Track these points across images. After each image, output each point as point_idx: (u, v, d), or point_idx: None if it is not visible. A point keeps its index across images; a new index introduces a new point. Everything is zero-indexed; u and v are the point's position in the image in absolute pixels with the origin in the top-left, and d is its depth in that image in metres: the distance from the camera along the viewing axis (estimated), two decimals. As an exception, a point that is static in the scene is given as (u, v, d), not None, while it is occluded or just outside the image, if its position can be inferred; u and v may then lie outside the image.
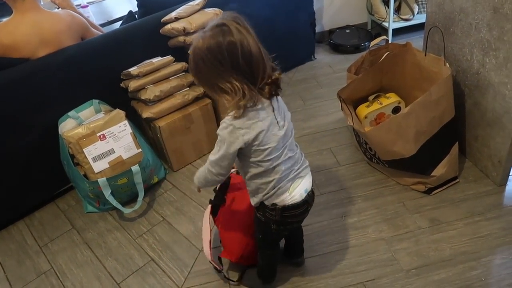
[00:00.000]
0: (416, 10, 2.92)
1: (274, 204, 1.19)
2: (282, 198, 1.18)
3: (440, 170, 1.67)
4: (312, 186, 1.26)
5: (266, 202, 1.20)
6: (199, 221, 1.79)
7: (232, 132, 1.07)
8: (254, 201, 1.22)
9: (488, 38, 1.56)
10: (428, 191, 1.72)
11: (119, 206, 1.79)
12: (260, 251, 1.39)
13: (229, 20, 1.01)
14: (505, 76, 1.51)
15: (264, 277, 1.46)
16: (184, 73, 2.04)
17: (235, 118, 1.06)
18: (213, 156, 1.13)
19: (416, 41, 1.84)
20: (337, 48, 2.98)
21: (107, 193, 1.77)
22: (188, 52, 1.06)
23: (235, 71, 1.01)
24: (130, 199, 1.93)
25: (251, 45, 1.00)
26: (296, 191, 1.19)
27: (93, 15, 2.44)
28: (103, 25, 2.36)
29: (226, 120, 1.08)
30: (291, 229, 1.32)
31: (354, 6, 3.10)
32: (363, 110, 1.88)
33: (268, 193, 1.17)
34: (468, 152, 1.85)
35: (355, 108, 1.90)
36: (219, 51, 0.99)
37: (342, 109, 1.81)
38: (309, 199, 1.23)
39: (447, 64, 1.65)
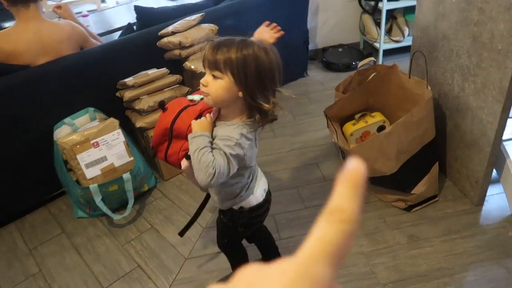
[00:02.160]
0: (406, 33, 3.03)
1: (241, 207, 1.21)
2: (249, 200, 1.21)
3: (420, 188, 1.74)
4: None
5: (234, 207, 1.21)
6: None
7: (241, 148, 1.05)
8: (225, 205, 1.22)
9: (467, 64, 1.64)
10: (408, 208, 1.78)
11: (109, 213, 1.84)
12: (230, 255, 1.46)
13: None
14: (482, 101, 1.59)
15: None
16: (178, 85, 2.11)
17: (243, 135, 1.05)
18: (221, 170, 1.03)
19: (405, 63, 1.92)
20: (330, 66, 3.07)
21: (97, 199, 1.82)
22: (228, 44, 1.01)
23: (273, 88, 1.05)
24: (120, 206, 1.98)
25: None
26: (258, 191, 1.23)
27: (93, 24, 2.52)
28: (102, 34, 2.44)
29: (236, 136, 1.05)
30: (254, 230, 1.39)
31: (347, 26, 3.20)
32: (350, 127, 1.95)
33: (241, 196, 1.19)
34: (448, 172, 1.92)
35: (342, 125, 1.97)
36: (276, 66, 1.05)
37: (328, 126, 1.88)
38: (269, 197, 1.29)
39: (429, 87, 1.73)
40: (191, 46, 2.11)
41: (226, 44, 1.01)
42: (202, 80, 1.05)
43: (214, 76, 1.03)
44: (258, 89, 1.02)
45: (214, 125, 1.11)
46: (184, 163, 1.15)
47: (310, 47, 2.98)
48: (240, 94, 1.02)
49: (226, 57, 1.00)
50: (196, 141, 1.05)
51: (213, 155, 1.02)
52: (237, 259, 1.47)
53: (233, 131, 1.06)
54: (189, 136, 1.07)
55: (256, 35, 1.31)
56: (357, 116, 1.97)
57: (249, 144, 1.08)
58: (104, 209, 1.83)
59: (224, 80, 1.02)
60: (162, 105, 1.20)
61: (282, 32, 1.29)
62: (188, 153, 1.09)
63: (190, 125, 1.10)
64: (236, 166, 1.06)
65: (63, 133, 1.88)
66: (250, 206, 1.22)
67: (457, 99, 1.75)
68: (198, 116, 1.14)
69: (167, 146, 1.20)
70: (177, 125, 1.15)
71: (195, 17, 2.17)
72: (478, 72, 1.59)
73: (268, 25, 1.35)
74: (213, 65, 1.01)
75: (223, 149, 1.03)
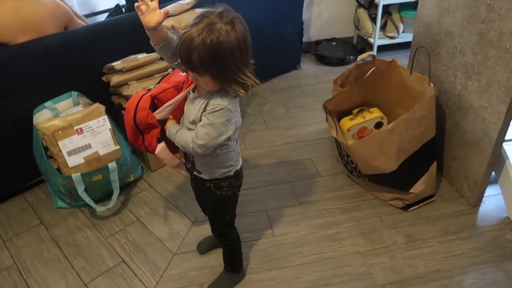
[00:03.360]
0: (401, 29, 2.99)
1: (236, 171, 1.24)
2: (238, 162, 1.25)
3: (418, 188, 1.69)
4: None
5: (231, 173, 1.23)
6: (174, 224, 1.75)
7: (229, 119, 1.09)
8: (220, 173, 1.21)
9: (472, 62, 1.60)
10: (405, 208, 1.74)
11: (92, 204, 1.73)
12: (231, 233, 1.40)
13: (232, 12, 1.01)
14: (486, 100, 1.55)
15: (240, 260, 1.49)
16: (169, 71, 2.00)
17: (229, 105, 1.08)
18: (204, 140, 1.08)
19: (400, 60, 1.87)
20: (323, 60, 3.00)
21: (80, 189, 1.70)
22: (193, 45, 0.97)
23: (248, 63, 1.05)
24: (103, 197, 1.86)
25: None
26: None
27: (77, 5, 2.37)
28: (86, 16, 2.30)
29: (222, 104, 1.07)
30: None
31: (342, 20, 3.14)
32: (347, 123, 1.89)
33: (237, 160, 1.23)
34: (445, 171, 1.89)
35: (338, 120, 1.91)
36: (245, 43, 1.01)
37: (326, 120, 1.81)
38: None
39: (431, 84, 1.68)
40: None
41: (189, 46, 0.98)
42: (190, 77, 1.11)
43: (198, 74, 1.05)
44: (235, 71, 1.03)
45: (192, 95, 1.14)
46: (157, 149, 1.24)
47: (303, 39, 2.90)
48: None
49: (196, 63, 1.00)
50: (172, 132, 1.17)
51: (190, 132, 1.12)
52: (236, 239, 1.43)
53: (221, 101, 1.08)
54: (168, 135, 1.19)
55: None
56: (355, 111, 1.91)
57: (236, 107, 1.12)
58: (87, 199, 1.71)
59: (207, 76, 1.04)
60: (119, 107, 1.24)
61: None
62: (158, 137, 1.22)
63: (149, 112, 1.18)
64: (232, 130, 1.11)
65: (44, 118, 1.75)
66: (240, 167, 1.27)
67: (458, 97, 1.71)
68: (152, 103, 1.20)
69: (142, 139, 1.26)
70: (139, 119, 1.20)
71: (189, 0, 2.06)
72: (483, 71, 1.55)
73: None
74: (192, 68, 1.03)
75: (210, 120, 1.07)
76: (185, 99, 1.19)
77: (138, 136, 1.24)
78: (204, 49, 0.97)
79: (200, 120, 1.09)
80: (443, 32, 1.74)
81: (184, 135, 1.13)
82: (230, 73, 1.02)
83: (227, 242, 1.42)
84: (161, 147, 1.24)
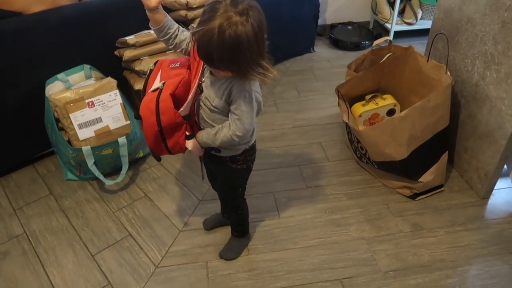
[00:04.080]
0: (419, 15, 2.92)
1: (252, 145, 1.27)
2: (254, 135, 1.25)
3: (427, 177, 1.68)
4: None
5: (247, 146, 1.25)
6: (181, 201, 1.76)
7: (256, 100, 1.12)
8: (241, 150, 1.24)
9: (492, 52, 1.56)
10: (413, 196, 1.73)
11: (101, 177, 1.74)
12: (242, 205, 1.45)
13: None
14: (504, 91, 1.52)
15: (247, 226, 1.54)
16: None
17: (252, 86, 1.11)
18: (244, 131, 1.11)
19: (416, 47, 1.83)
20: (337, 44, 2.95)
21: (90, 162, 1.71)
22: (211, 44, 0.96)
23: (265, 52, 1.03)
24: (112, 171, 1.88)
25: None
26: None
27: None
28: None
29: (247, 89, 1.09)
30: None
31: (359, 4, 3.07)
32: (359, 108, 1.87)
33: (254, 134, 1.24)
34: (456, 162, 1.87)
35: (350, 105, 1.89)
36: (261, 31, 0.99)
37: (339, 105, 1.79)
38: None
39: (448, 73, 1.65)
40: (199, 7, 1.98)
41: (208, 45, 0.96)
42: (211, 70, 1.10)
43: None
44: (254, 66, 1.02)
45: (211, 78, 1.12)
46: (189, 145, 1.19)
47: (319, 22, 2.85)
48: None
49: (216, 61, 0.99)
50: (207, 138, 1.17)
51: (223, 128, 1.13)
52: (245, 208, 1.47)
53: (246, 85, 1.09)
54: (201, 141, 1.19)
55: None
56: (367, 97, 1.89)
57: (257, 85, 1.14)
58: (96, 173, 1.73)
59: (228, 70, 1.04)
60: (137, 117, 1.16)
61: None
62: (188, 134, 1.18)
63: (174, 112, 1.12)
64: (256, 111, 1.13)
65: (56, 90, 1.76)
66: (254, 140, 1.28)
67: (475, 87, 1.67)
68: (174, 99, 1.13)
69: (164, 145, 1.18)
70: (165, 122, 1.12)
71: (205, -24, 2.03)
72: (503, 61, 1.51)
73: None
74: (210, 66, 1.05)
75: (243, 109, 1.09)
76: (188, 80, 1.18)
77: (160, 141, 1.17)
78: (223, 47, 0.95)
79: (227, 103, 1.11)
80: (464, 19, 1.69)
81: (221, 135, 1.13)
82: (248, 68, 1.01)
83: (238, 212, 1.46)
84: (193, 142, 1.19)
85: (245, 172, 1.34)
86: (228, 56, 0.97)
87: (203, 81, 1.15)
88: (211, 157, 1.29)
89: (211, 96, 1.13)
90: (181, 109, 1.14)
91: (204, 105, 1.16)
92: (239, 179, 1.36)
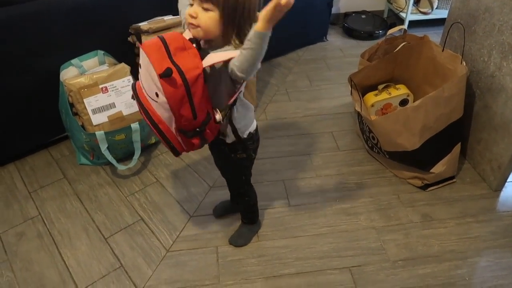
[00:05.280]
0: (435, 5, 2.87)
1: (249, 133, 1.22)
2: (253, 125, 1.23)
3: (439, 168, 1.67)
4: None
5: (245, 135, 1.20)
6: (192, 187, 1.78)
7: None
8: (245, 133, 1.20)
9: (510, 42, 1.53)
10: (424, 187, 1.72)
11: (113, 162, 1.77)
12: (248, 191, 1.45)
13: None
14: (520, 82, 1.50)
15: (257, 213, 1.55)
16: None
17: None
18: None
19: (431, 37, 1.80)
20: (350, 33, 2.92)
21: (103, 147, 1.74)
22: None
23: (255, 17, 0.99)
24: (125, 157, 1.90)
25: None
26: None
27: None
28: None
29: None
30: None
31: (374, -8, 3.03)
32: (371, 98, 1.86)
33: (253, 120, 1.23)
34: (468, 153, 1.85)
35: (363, 95, 1.88)
36: None
37: (351, 94, 1.78)
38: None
39: (464, 63, 1.62)
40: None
41: None
42: (190, 11, 0.99)
43: (204, 8, 0.97)
44: (245, 23, 0.99)
45: (205, 52, 1.02)
46: (218, 116, 1.08)
47: (332, 11, 2.82)
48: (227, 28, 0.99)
49: None
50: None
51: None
52: (253, 195, 1.47)
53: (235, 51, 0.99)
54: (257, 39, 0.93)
55: None
56: (380, 86, 1.87)
57: None
58: (109, 158, 1.75)
59: (215, 13, 0.97)
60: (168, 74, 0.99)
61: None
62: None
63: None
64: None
65: (70, 75, 1.78)
66: (254, 129, 1.24)
67: (491, 78, 1.65)
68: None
69: (192, 109, 1.02)
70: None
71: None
72: (520, 51, 1.48)
73: None
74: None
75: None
76: None
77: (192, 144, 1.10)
78: None
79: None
80: (482, 9, 1.66)
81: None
82: (241, 18, 0.97)
83: (246, 199, 1.47)
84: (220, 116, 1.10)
85: (246, 161, 1.31)
86: (229, 3, 0.94)
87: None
88: (213, 147, 1.31)
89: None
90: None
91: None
92: (241, 167, 1.34)
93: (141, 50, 0.98)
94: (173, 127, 1.07)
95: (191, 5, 1.00)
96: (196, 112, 1.02)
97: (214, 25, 0.98)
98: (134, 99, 1.10)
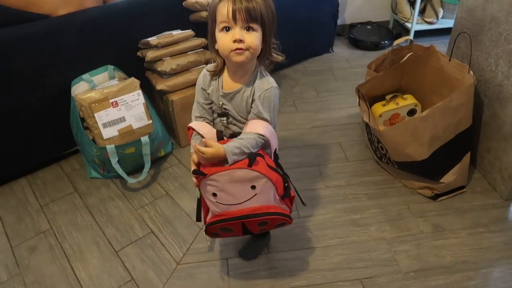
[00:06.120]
0: (440, 14, 2.88)
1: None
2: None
3: (449, 178, 1.66)
4: None
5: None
6: (202, 200, 1.79)
7: (277, 96, 1.16)
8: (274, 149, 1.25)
9: (516, 51, 1.53)
10: (434, 197, 1.72)
11: (124, 175, 1.78)
12: None
13: None
14: (529, 91, 1.50)
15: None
16: (202, 49, 2.01)
17: (274, 82, 1.15)
18: (268, 123, 1.15)
19: (437, 46, 1.81)
20: (356, 44, 2.94)
21: (114, 160, 1.76)
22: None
23: None
24: (134, 170, 1.92)
25: None
26: None
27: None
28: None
29: (271, 82, 1.13)
30: None
31: (378, 3, 3.06)
32: (379, 108, 1.86)
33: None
34: (478, 163, 1.84)
35: (370, 105, 1.88)
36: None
37: (359, 105, 1.79)
38: None
39: (471, 72, 1.63)
40: (219, 8, 2.00)
41: (254, 5, 1.01)
42: (237, 36, 1.02)
43: (248, 28, 1.02)
44: (272, 35, 1.07)
45: (226, 92, 1.15)
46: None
47: (338, 22, 2.85)
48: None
49: (260, 6, 1.00)
50: (233, 154, 1.09)
51: (244, 142, 1.10)
52: None
53: (267, 83, 1.12)
54: (233, 154, 1.09)
55: None
56: (388, 97, 1.88)
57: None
58: (120, 171, 1.77)
59: (258, 32, 1.04)
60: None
61: None
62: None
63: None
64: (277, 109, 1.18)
65: (81, 90, 1.81)
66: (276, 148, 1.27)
67: (499, 87, 1.65)
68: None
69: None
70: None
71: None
72: (528, 60, 1.48)
73: None
74: (250, 16, 1.00)
75: (266, 109, 1.13)
76: None
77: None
78: (267, 4, 1.03)
79: (251, 104, 1.13)
80: (488, 18, 1.67)
81: (250, 142, 1.11)
82: (271, 34, 1.06)
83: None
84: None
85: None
86: (267, 10, 1.02)
87: (222, 104, 1.18)
88: None
89: (234, 108, 1.17)
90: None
91: (234, 113, 1.19)
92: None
93: (234, 173, 1.09)
94: (277, 200, 1.18)
95: (225, 30, 1.03)
96: (277, 168, 1.17)
97: (259, 43, 1.05)
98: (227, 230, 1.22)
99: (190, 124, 1.20)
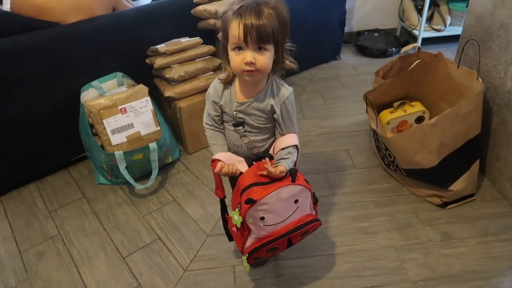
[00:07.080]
0: (448, 22, 2.88)
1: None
2: None
3: (458, 185, 1.65)
4: None
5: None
6: (209, 206, 1.79)
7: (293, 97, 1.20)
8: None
9: (526, 58, 1.52)
10: (443, 205, 1.70)
11: (132, 181, 1.79)
12: None
13: None
14: (538, 99, 1.48)
15: None
16: (210, 56, 2.02)
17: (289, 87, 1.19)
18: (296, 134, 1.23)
19: (445, 54, 1.80)
20: (364, 51, 2.94)
21: (122, 166, 1.77)
22: (262, 12, 1.00)
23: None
24: (142, 176, 1.93)
25: None
26: None
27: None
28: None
29: (288, 88, 1.17)
30: None
31: (386, 10, 3.06)
32: (386, 115, 1.86)
33: None
34: (487, 171, 1.83)
35: (378, 112, 1.88)
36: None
37: (366, 112, 1.78)
38: None
39: (480, 79, 1.62)
40: (227, 16, 2.02)
41: (259, 13, 0.99)
42: (248, 59, 1.02)
43: (260, 48, 1.02)
44: (285, 46, 1.08)
45: (242, 104, 1.16)
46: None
47: (345, 29, 2.85)
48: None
49: (271, 23, 0.99)
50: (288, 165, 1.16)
51: (293, 157, 1.19)
52: None
53: (284, 91, 1.15)
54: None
55: None
56: (395, 104, 1.87)
57: None
58: (128, 177, 1.78)
59: (270, 51, 1.04)
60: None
61: None
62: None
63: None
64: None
65: (90, 96, 1.83)
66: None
67: (508, 94, 1.64)
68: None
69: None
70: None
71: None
72: (537, 67, 1.47)
73: None
74: (261, 39, 1.00)
75: (291, 115, 1.21)
76: None
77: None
78: (275, 13, 1.00)
79: (268, 110, 1.16)
80: (496, 25, 1.66)
81: (294, 157, 1.19)
82: (284, 45, 1.06)
83: None
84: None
85: None
86: (279, 25, 1.01)
87: (236, 113, 1.18)
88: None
89: (253, 120, 1.17)
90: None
91: (250, 130, 1.21)
92: None
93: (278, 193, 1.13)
94: (311, 207, 1.27)
95: (237, 49, 1.03)
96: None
97: (270, 63, 1.05)
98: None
99: (215, 157, 1.21)
